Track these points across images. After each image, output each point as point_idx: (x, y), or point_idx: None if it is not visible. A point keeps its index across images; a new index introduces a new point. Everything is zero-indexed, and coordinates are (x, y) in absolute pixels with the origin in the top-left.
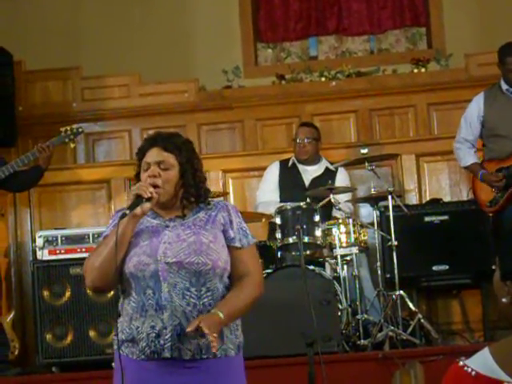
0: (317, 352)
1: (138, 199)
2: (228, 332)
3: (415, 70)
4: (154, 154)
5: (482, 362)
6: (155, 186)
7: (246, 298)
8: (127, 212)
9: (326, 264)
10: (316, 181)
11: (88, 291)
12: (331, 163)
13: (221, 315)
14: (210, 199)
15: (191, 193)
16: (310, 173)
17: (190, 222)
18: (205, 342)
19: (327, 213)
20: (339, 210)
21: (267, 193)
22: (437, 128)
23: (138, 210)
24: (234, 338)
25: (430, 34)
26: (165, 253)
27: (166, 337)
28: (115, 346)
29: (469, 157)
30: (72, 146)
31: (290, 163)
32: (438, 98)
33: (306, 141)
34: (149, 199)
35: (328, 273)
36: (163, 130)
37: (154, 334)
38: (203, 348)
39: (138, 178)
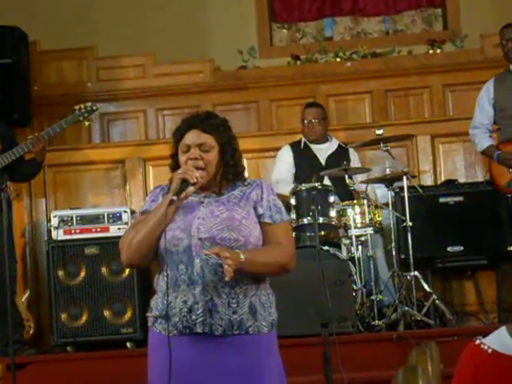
0: (331, 332)
1: (184, 184)
2: (261, 309)
3: (430, 51)
4: (193, 136)
5: (498, 340)
6: (198, 168)
7: (271, 257)
8: (175, 198)
9: (342, 245)
10: (332, 158)
11: (103, 271)
12: (342, 142)
13: (241, 255)
14: (247, 178)
15: (230, 172)
16: (323, 151)
17: (224, 199)
18: (237, 318)
19: (346, 192)
20: (355, 192)
21: (283, 171)
22: (452, 109)
23: (183, 195)
24: (267, 315)
25: (445, 15)
26: (198, 228)
27: (198, 312)
28: (149, 324)
29: (484, 140)
30: (86, 124)
31: (302, 144)
32: (453, 79)
33: (314, 121)
34: (193, 183)
35: (344, 254)
36: (178, 110)
37: (186, 309)
38: (235, 324)
39: (173, 158)
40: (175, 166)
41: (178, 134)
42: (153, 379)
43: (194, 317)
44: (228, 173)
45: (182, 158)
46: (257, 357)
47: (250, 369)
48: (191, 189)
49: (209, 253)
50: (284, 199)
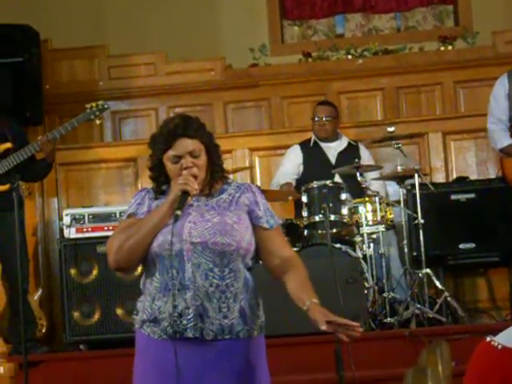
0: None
1: (185, 196)
2: (251, 313)
3: (442, 48)
4: (182, 145)
5: (509, 336)
6: (194, 177)
7: (308, 277)
8: (179, 213)
9: (354, 242)
10: (341, 155)
11: None
12: (352, 140)
13: (317, 301)
14: (233, 180)
15: (218, 170)
16: (333, 148)
17: (213, 203)
18: (227, 323)
19: (357, 190)
20: (367, 189)
21: (286, 175)
22: (463, 106)
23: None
24: (256, 318)
25: (457, 12)
26: (190, 232)
27: (189, 317)
28: (136, 325)
29: (504, 139)
30: (98, 122)
31: (312, 143)
32: (464, 76)
33: (324, 119)
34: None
35: (358, 251)
36: (190, 108)
37: (176, 314)
38: (225, 328)
39: (155, 170)
40: (158, 178)
41: (162, 146)
42: (138, 381)
43: (184, 321)
44: (216, 171)
45: (173, 169)
46: (248, 360)
47: (241, 372)
48: (189, 199)
49: (328, 329)
50: (294, 197)
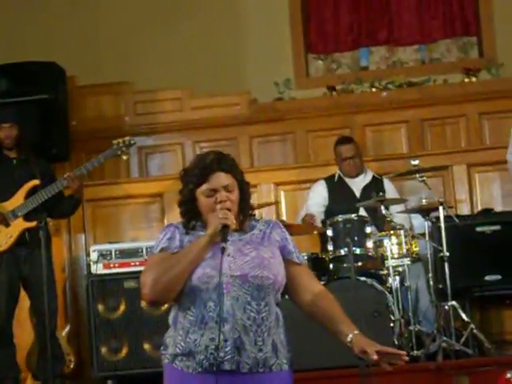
0: (368, 364)
1: (224, 229)
2: (281, 347)
3: (466, 80)
4: (218, 180)
5: None
6: (228, 210)
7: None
8: (225, 245)
9: (379, 275)
10: (366, 189)
11: (142, 304)
12: (376, 173)
13: (359, 333)
14: (260, 217)
15: (247, 207)
16: (358, 183)
17: (247, 238)
18: (262, 356)
19: (382, 223)
20: (392, 222)
21: (314, 206)
22: (488, 137)
23: (218, 238)
24: (286, 352)
25: (481, 43)
26: (229, 266)
27: (226, 349)
28: (166, 360)
29: None
30: (124, 157)
31: (336, 178)
32: (489, 108)
33: (355, 159)
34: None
35: (388, 283)
36: (215, 142)
37: (213, 347)
38: (260, 362)
39: (186, 205)
40: (189, 213)
41: (196, 180)
42: None
43: (222, 354)
44: (245, 208)
45: (207, 202)
46: None
47: None
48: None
49: (375, 358)
50: (319, 231)
